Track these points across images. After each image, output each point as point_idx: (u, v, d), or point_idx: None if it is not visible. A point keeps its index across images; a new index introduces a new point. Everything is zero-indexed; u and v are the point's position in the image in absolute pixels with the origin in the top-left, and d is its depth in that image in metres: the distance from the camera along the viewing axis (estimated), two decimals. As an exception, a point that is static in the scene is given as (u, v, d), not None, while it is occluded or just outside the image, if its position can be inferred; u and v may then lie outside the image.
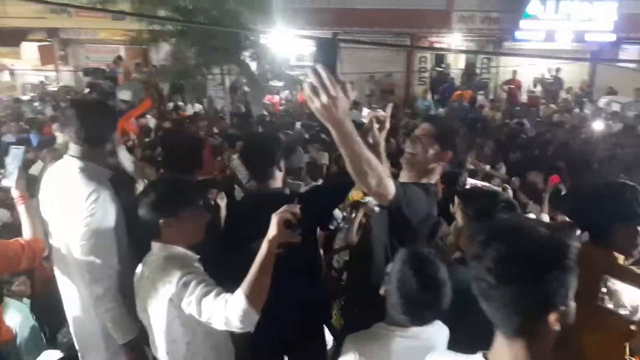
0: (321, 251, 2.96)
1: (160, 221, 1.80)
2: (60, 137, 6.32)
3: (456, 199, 2.14)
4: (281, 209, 1.63)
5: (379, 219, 2.00)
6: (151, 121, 8.38)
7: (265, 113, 9.53)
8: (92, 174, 2.06)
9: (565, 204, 3.94)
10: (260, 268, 1.60)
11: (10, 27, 13.00)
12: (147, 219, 1.82)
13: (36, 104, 10.73)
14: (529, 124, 8.89)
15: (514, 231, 1.01)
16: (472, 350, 1.18)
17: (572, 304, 1.01)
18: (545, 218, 3.80)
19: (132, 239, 2.14)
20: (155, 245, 1.86)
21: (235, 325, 1.61)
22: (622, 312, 1.50)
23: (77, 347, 2.31)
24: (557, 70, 12.98)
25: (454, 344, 1.68)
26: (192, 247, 1.89)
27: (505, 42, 13.31)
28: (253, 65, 9.26)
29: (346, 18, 12.38)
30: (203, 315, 1.66)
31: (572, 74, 13.27)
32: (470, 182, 3.41)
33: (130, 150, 4.07)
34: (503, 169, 5.67)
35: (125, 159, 3.21)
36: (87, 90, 12.17)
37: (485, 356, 1.11)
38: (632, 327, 1.63)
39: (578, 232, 2.00)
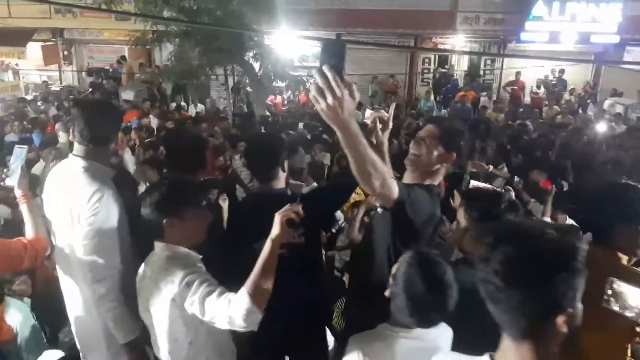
0: (323, 250, 2.96)
1: (164, 221, 1.80)
2: (62, 137, 6.35)
3: (456, 194, 2.13)
4: (284, 208, 1.64)
5: (382, 220, 1.99)
6: (154, 121, 8.41)
7: (268, 113, 9.54)
8: (96, 173, 2.06)
9: (565, 203, 3.94)
10: (263, 267, 1.61)
11: (16, 28, 13.07)
12: (150, 219, 1.82)
13: (39, 103, 10.75)
14: (532, 126, 8.87)
15: (521, 233, 1.00)
16: (475, 351, 1.17)
17: (580, 306, 1.00)
18: (547, 220, 3.79)
19: (135, 238, 2.13)
20: (158, 245, 1.86)
21: (239, 324, 1.61)
22: (629, 314, 1.49)
23: (78, 346, 2.31)
24: (561, 71, 12.97)
25: (458, 345, 1.68)
26: (194, 248, 1.89)
27: (509, 44, 13.30)
28: (256, 66, 9.27)
29: (350, 19, 12.39)
30: (206, 314, 1.65)
31: (576, 76, 13.26)
32: (473, 184, 3.40)
33: (132, 149, 4.09)
34: (505, 170, 5.66)
35: (130, 162, 3.22)
36: (89, 90, 12.25)
37: (491, 358, 1.10)
38: (638, 329, 1.62)
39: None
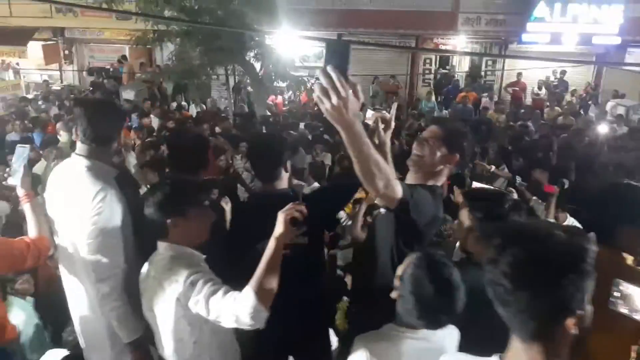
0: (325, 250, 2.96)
1: (168, 221, 1.80)
2: (63, 136, 6.34)
3: (456, 190, 2.13)
4: (287, 207, 1.66)
5: (385, 221, 1.99)
6: (154, 121, 8.40)
7: (269, 114, 9.54)
8: (99, 172, 2.06)
9: (567, 202, 3.93)
10: (267, 265, 1.62)
11: (17, 27, 13.08)
12: (154, 219, 1.82)
13: (40, 102, 10.75)
14: (533, 127, 8.87)
15: (530, 235, 1.00)
16: (480, 352, 1.16)
17: (589, 308, 1.00)
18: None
19: (138, 238, 2.13)
20: (162, 245, 1.85)
21: (246, 322, 1.61)
22: (637, 316, 1.48)
23: (82, 345, 2.30)
24: (562, 72, 12.96)
25: (463, 346, 1.68)
26: (197, 247, 1.89)
27: (511, 45, 13.29)
28: (257, 66, 9.27)
29: (351, 19, 12.39)
30: (211, 313, 1.65)
31: (578, 77, 13.26)
32: (475, 185, 3.40)
33: (132, 149, 4.09)
34: (505, 170, 5.66)
35: (133, 164, 3.23)
36: (90, 89, 12.25)
37: (500, 359, 1.09)
38: None
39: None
